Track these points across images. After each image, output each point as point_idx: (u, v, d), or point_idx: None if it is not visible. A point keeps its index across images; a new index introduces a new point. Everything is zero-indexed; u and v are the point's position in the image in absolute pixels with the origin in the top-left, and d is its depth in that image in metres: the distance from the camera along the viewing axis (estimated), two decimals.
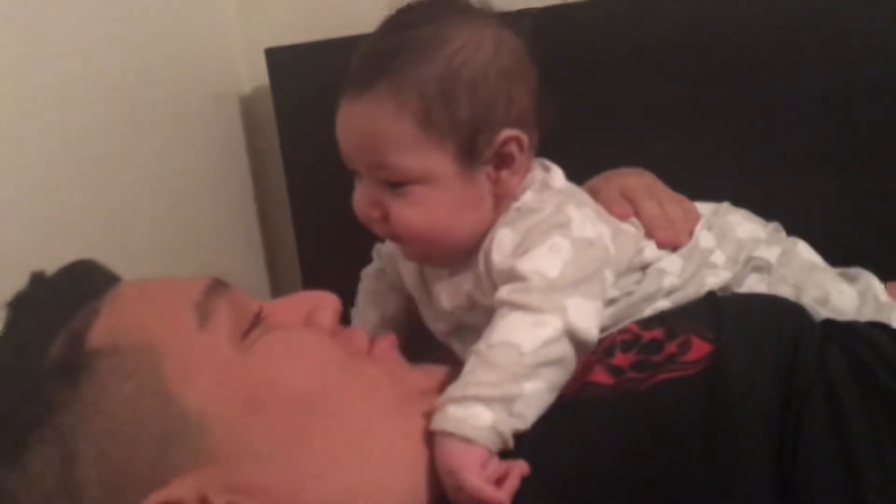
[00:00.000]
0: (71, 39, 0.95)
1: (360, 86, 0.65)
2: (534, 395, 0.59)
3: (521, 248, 0.65)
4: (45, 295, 0.64)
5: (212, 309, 0.59)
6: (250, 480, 0.54)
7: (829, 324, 0.66)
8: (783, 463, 0.53)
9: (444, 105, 0.64)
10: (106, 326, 0.58)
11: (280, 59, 1.22)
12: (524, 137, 0.67)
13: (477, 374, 0.59)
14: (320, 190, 1.20)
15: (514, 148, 0.66)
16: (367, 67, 0.65)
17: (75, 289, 0.64)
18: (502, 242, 0.66)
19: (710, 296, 0.68)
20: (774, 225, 0.78)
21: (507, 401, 0.58)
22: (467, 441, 0.56)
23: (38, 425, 0.55)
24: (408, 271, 0.76)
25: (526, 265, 0.63)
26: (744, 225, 0.76)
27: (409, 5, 0.68)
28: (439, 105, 0.63)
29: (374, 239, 0.80)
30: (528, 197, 0.68)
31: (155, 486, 0.53)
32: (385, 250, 0.81)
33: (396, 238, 0.69)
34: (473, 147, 0.65)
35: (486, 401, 0.57)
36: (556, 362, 0.60)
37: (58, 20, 0.93)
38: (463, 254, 0.69)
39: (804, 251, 0.77)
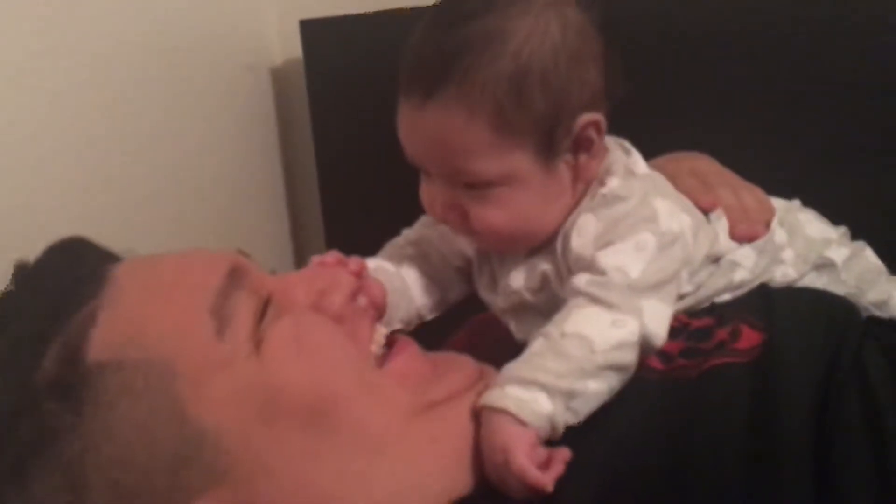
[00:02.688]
0: (104, 5, 0.94)
1: (424, 91, 0.61)
2: (594, 395, 0.58)
3: (604, 239, 0.63)
4: (31, 293, 0.58)
5: (230, 312, 0.55)
6: (268, 500, 0.52)
7: (873, 320, 0.65)
8: (819, 458, 0.51)
9: (518, 104, 0.60)
10: (106, 337, 0.53)
11: (314, 32, 1.20)
12: (601, 119, 0.64)
13: (545, 360, 0.58)
14: (350, 167, 1.23)
15: (592, 132, 0.64)
16: (429, 70, 0.61)
17: (64, 284, 0.57)
18: (584, 228, 0.64)
19: (761, 287, 0.67)
20: (843, 229, 0.76)
21: (568, 395, 0.57)
22: (522, 423, 0.55)
23: (37, 452, 0.50)
24: (467, 244, 0.74)
25: (608, 259, 0.61)
26: (814, 224, 0.74)
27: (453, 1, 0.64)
28: (513, 105, 0.60)
29: (402, 219, 0.78)
30: (614, 183, 0.65)
31: None
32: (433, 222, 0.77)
33: (475, 235, 0.67)
34: (552, 140, 0.63)
35: (549, 390, 0.56)
36: (621, 368, 0.59)
37: None
38: (544, 241, 0.67)
39: (871, 256, 0.75)
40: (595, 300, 0.60)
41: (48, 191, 0.84)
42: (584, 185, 0.66)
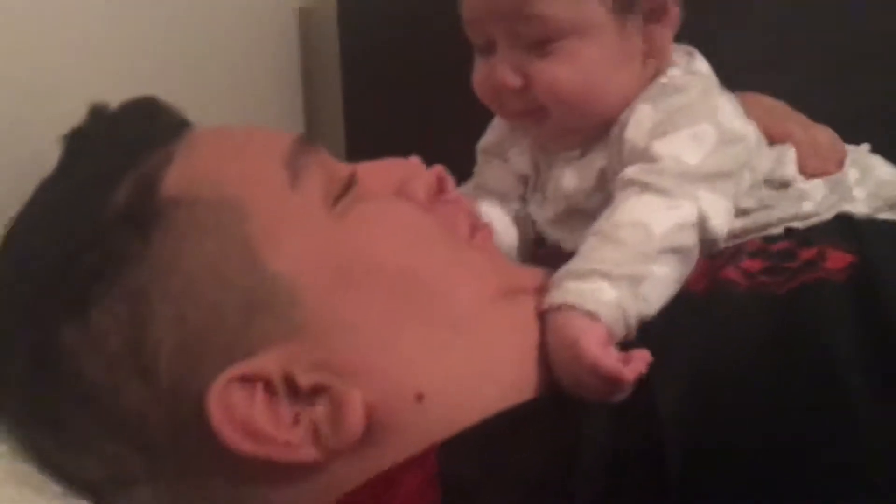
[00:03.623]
0: None
1: None
2: (661, 279, 0.55)
3: (661, 129, 0.61)
4: (108, 130, 0.57)
5: (303, 168, 0.53)
6: (342, 360, 0.49)
7: None
8: None
9: None
10: (182, 174, 0.52)
11: None
12: None
13: (601, 251, 0.55)
14: (378, 114, 1.15)
15: None
16: None
17: (140, 127, 0.56)
18: (641, 119, 0.62)
19: (842, 215, 0.63)
20: None
21: (634, 280, 0.54)
22: (590, 315, 0.52)
23: (102, 279, 0.49)
24: (523, 157, 0.72)
25: (664, 147, 0.59)
26: (886, 166, 0.71)
27: None
28: None
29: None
30: (675, 73, 0.65)
31: (237, 357, 0.47)
32: (487, 149, 0.75)
33: (537, 108, 0.63)
34: None
35: (611, 278, 0.53)
36: (684, 251, 0.57)
37: None
38: (601, 127, 0.65)
39: None
40: (647, 188, 0.58)
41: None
42: (654, 62, 0.64)
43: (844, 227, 0.61)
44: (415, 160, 0.62)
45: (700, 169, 0.59)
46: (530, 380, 0.52)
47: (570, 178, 0.67)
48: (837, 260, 0.56)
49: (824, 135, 0.71)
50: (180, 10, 0.95)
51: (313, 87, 1.24)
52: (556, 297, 0.53)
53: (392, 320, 0.51)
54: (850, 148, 0.72)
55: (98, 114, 0.58)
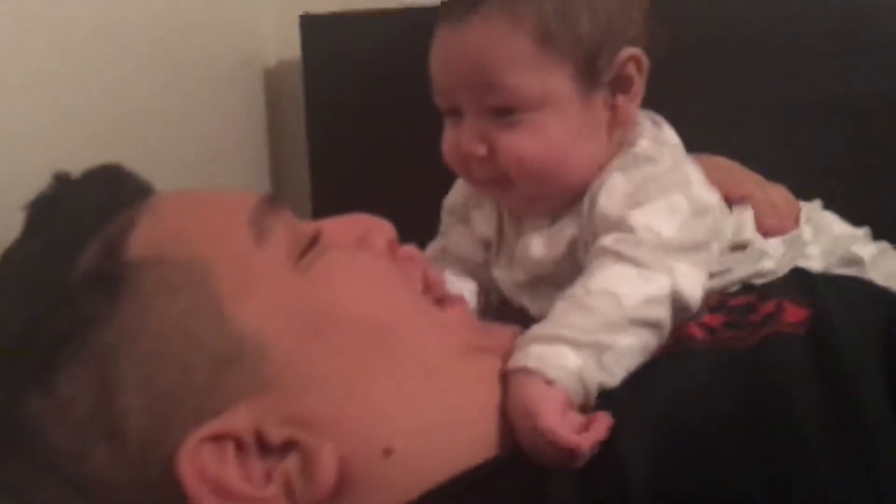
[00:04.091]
0: None
1: (467, 5, 0.61)
2: (626, 351, 0.55)
3: (635, 199, 0.61)
4: (72, 196, 0.57)
5: (268, 226, 0.53)
6: (312, 414, 0.48)
7: None
8: None
9: (564, 21, 0.60)
10: (147, 236, 0.52)
11: (314, 28, 1.14)
12: (644, 58, 0.63)
13: (568, 317, 0.55)
14: (344, 173, 1.15)
15: (632, 69, 0.63)
16: None
17: (105, 192, 0.57)
18: (613, 188, 0.62)
19: (797, 270, 0.64)
20: (866, 229, 0.74)
21: (598, 349, 0.54)
22: (548, 382, 0.52)
23: (69, 343, 0.48)
24: (486, 221, 0.71)
25: (639, 219, 0.59)
26: (838, 223, 0.73)
27: None
28: (558, 21, 0.60)
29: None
30: (644, 144, 0.64)
31: (206, 416, 0.47)
32: (452, 211, 0.76)
33: (503, 178, 0.63)
34: (593, 67, 0.62)
35: (575, 345, 0.53)
36: (653, 324, 0.56)
37: None
38: (570, 195, 0.65)
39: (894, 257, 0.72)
40: (622, 258, 0.58)
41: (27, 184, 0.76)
42: (619, 131, 0.65)
43: (800, 282, 0.62)
44: (376, 217, 0.62)
45: (675, 241, 0.59)
46: (500, 433, 0.52)
47: (539, 246, 0.66)
48: (794, 313, 0.56)
49: (780, 193, 0.72)
50: (145, 71, 0.95)
51: (279, 146, 1.24)
52: (518, 359, 0.53)
53: (361, 371, 0.50)
54: (803, 204, 0.73)
55: (62, 180, 0.58)
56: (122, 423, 0.47)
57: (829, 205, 0.76)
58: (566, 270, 0.63)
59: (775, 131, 1.00)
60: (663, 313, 0.57)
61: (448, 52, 0.62)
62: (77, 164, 0.80)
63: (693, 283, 0.58)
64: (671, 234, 0.59)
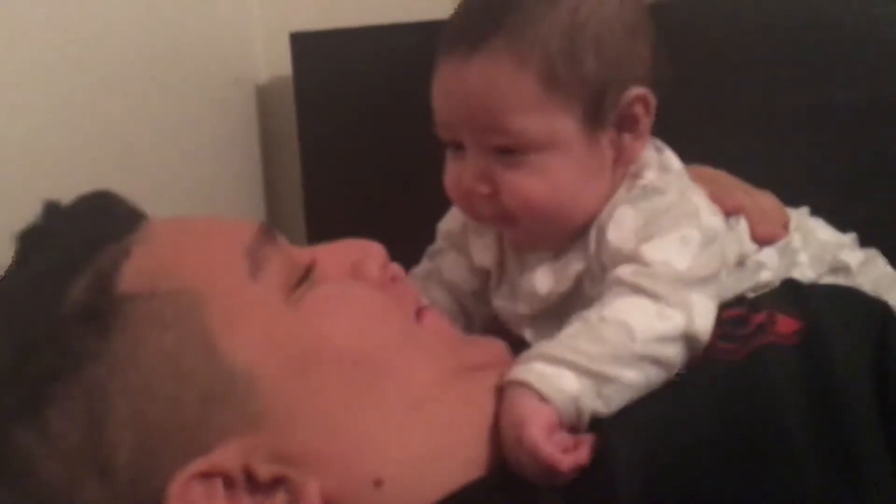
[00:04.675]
0: (90, 13, 0.88)
1: (470, 42, 0.59)
2: (628, 386, 0.54)
3: (646, 233, 0.60)
4: (62, 227, 0.56)
5: (264, 257, 0.53)
6: (300, 449, 0.49)
7: None
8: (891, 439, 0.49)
9: (570, 62, 0.59)
10: (139, 268, 0.51)
11: (305, 46, 1.15)
12: (651, 97, 0.62)
13: (578, 341, 0.55)
14: (337, 190, 1.16)
15: (640, 109, 0.62)
16: (476, 22, 0.60)
17: (96, 222, 0.56)
18: (622, 221, 0.61)
19: (788, 280, 0.64)
20: (852, 235, 0.74)
21: (601, 380, 0.53)
22: (542, 399, 0.52)
23: (59, 378, 0.48)
24: (487, 251, 0.70)
25: (654, 253, 0.58)
26: (825, 229, 0.73)
27: None
28: (565, 61, 0.58)
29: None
30: (651, 175, 0.63)
31: (196, 452, 0.47)
32: (447, 236, 0.74)
33: (507, 216, 0.62)
34: (600, 107, 0.60)
35: (578, 370, 0.53)
36: (662, 363, 0.55)
37: None
38: (575, 231, 0.64)
39: (883, 264, 0.72)
40: (640, 290, 0.57)
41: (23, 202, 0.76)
42: (624, 168, 0.64)
43: (791, 293, 0.62)
44: (369, 242, 0.62)
45: (689, 273, 0.58)
46: (488, 455, 0.53)
47: (545, 280, 0.65)
48: (786, 325, 0.57)
49: (768, 200, 0.72)
50: (139, 89, 0.96)
51: (272, 162, 1.25)
52: (519, 372, 0.54)
53: (349, 406, 0.51)
54: (790, 211, 0.73)
55: (52, 210, 0.57)
56: (112, 458, 0.47)
57: (818, 212, 0.76)
58: (572, 305, 0.62)
59: (765, 139, 1.01)
60: (674, 353, 0.56)
61: (451, 89, 0.61)
62: (70, 183, 0.80)
63: (707, 318, 0.58)
64: (685, 266, 0.58)
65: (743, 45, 1.02)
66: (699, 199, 0.63)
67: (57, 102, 0.82)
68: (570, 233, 0.64)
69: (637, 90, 0.61)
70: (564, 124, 0.60)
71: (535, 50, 0.58)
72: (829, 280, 0.68)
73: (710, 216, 0.62)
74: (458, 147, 0.62)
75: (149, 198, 0.89)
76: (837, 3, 1.00)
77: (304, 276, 0.55)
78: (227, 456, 0.47)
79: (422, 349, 0.55)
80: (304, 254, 0.57)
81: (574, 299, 0.64)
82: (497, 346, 0.61)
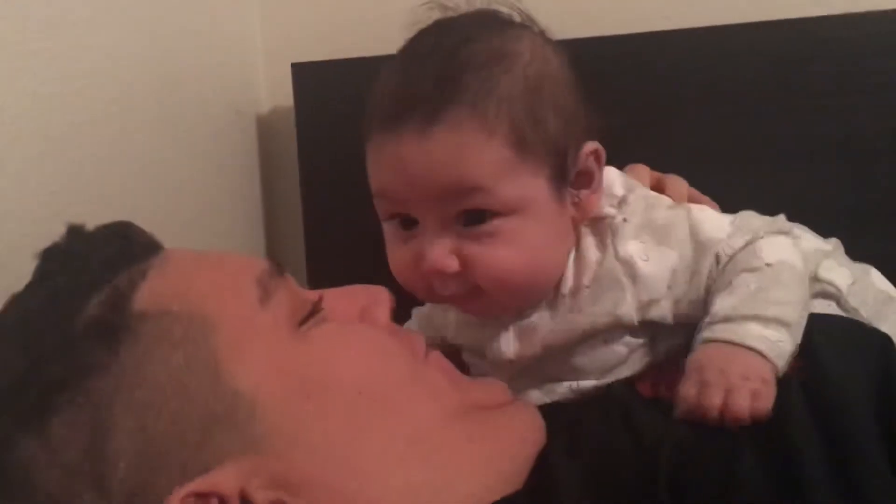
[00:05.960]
0: (92, 42, 0.88)
1: (426, 114, 0.57)
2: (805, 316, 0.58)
3: (662, 238, 0.62)
4: (84, 248, 0.57)
5: (274, 287, 0.55)
6: (299, 476, 0.49)
7: None
8: None
9: (534, 123, 0.58)
10: (155, 289, 0.53)
11: (307, 76, 1.15)
12: (601, 150, 0.62)
13: (770, 293, 0.57)
14: (337, 220, 1.16)
15: (593, 163, 0.62)
16: (430, 95, 0.57)
17: (116, 246, 0.57)
18: (643, 252, 0.62)
19: None
20: (835, 241, 0.74)
21: (799, 326, 0.57)
22: (766, 359, 0.55)
23: (67, 389, 0.49)
24: (448, 327, 0.70)
25: (712, 233, 0.62)
26: (804, 236, 0.72)
27: (445, 22, 0.62)
28: (529, 123, 0.58)
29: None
30: (610, 210, 0.64)
31: (194, 472, 0.47)
32: (418, 318, 0.74)
33: (474, 291, 0.60)
34: (564, 166, 0.60)
35: (789, 325, 0.56)
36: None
37: (81, 24, 0.86)
38: (541, 296, 0.63)
39: (878, 281, 0.72)
40: (756, 238, 0.60)
41: (23, 234, 0.75)
42: (581, 223, 0.63)
43: None
44: (377, 287, 0.61)
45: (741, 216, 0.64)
46: (488, 490, 0.53)
47: (510, 344, 0.65)
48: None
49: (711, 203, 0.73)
50: (141, 120, 0.96)
51: (273, 192, 1.25)
52: (743, 337, 0.56)
53: (350, 434, 0.51)
54: (765, 220, 0.72)
55: (75, 232, 0.58)
56: (111, 471, 0.47)
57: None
58: (541, 364, 0.63)
59: (773, 171, 1.01)
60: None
61: (408, 162, 0.58)
62: (72, 210, 0.80)
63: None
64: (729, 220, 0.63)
65: (752, 76, 1.02)
66: (659, 200, 0.65)
67: (58, 132, 0.82)
68: (533, 301, 0.63)
69: (591, 144, 0.61)
70: (536, 187, 0.59)
71: (501, 116, 0.57)
72: (820, 304, 0.67)
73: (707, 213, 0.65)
74: (407, 223, 0.60)
75: (151, 225, 0.89)
76: (845, 30, 1.00)
77: (312, 312, 0.56)
78: (225, 477, 0.47)
79: (426, 386, 0.56)
80: (311, 293, 0.58)
81: (546, 358, 0.64)
82: (498, 387, 0.61)
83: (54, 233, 0.59)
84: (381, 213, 0.62)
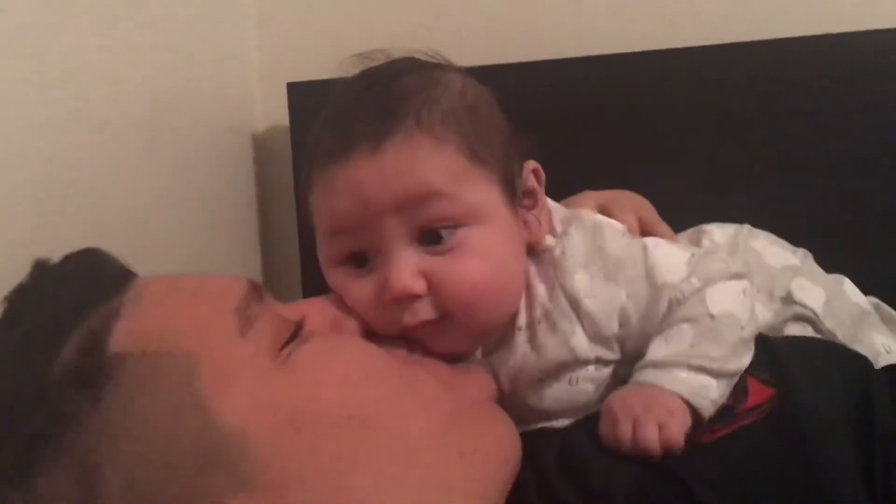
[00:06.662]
0: (89, 62, 0.88)
1: (374, 136, 0.57)
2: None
3: (617, 274, 0.62)
4: (52, 287, 0.55)
5: (254, 315, 0.53)
6: None
7: (890, 368, 0.63)
8: None
9: (479, 133, 0.60)
10: (130, 329, 0.51)
11: (302, 95, 1.15)
12: (541, 169, 0.64)
13: (704, 348, 0.59)
14: None
15: (534, 181, 0.64)
16: (375, 117, 0.58)
17: (86, 282, 0.55)
18: (589, 288, 0.61)
19: (761, 338, 0.64)
20: (803, 251, 0.74)
21: (732, 377, 0.58)
22: (690, 406, 0.57)
23: (49, 442, 0.47)
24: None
25: (667, 271, 0.62)
26: (771, 251, 0.72)
27: (371, 69, 0.63)
28: (475, 134, 0.59)
29: None
30: (550, 241, 0.64)
31: None
32: None
33: (442, 315, 0.59)
34: (512, 180, 0.61)
35: (718, 376, 0.58)
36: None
37: (77, 44, 0.87)
38: (505, 321, 0.63)
39: (851, 293, 0.71)
40: (715, 279, 0.61)
41: (19, 253, 0.74)
42: (532, 246, 0.63)
43: (763, 353, 0.62)
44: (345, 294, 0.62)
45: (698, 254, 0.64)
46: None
47: None
48: (757, 394, 0.58)
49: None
50: (137, 139, 0.96)
51: (268, 210, 1.25)
52: (668, 382, 0.57)
53: (344, 462, 0.50)
54: (728, 231, 0.73)
55: (41, 269, 0.56)
56: None
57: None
58: (519, 406, 0.63)
59: (771, 190, 1.01)
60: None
61: (361, 184, 0.57)
62: (71, 233, 0.80)
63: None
64: (688, 255, 0.63)
65: (751, 95, 1.02)
66: (609, 227, 0.66)
67: (52, 152, 0.82)
68: (498, 327, 0.63)
69: (532, 163, 0.63)
70: (492, 194, 0.59)
71: (448, 126, 0.58)
72: (794, 329, 0.67)
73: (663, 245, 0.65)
74: (361, 260, 0.60)
75: (145, 246, 0.90)
76: (838, 48, 1.00)
77: (295, 332, 0.54)
78: None
79: (416, 397, 0.55)
80: (291, 310, 0.57)
81: (517, 392, 0.64)
82: (484, 378, 0.63)
83: (48, 254, 0.58)
84: (331, 258, 0.62)
